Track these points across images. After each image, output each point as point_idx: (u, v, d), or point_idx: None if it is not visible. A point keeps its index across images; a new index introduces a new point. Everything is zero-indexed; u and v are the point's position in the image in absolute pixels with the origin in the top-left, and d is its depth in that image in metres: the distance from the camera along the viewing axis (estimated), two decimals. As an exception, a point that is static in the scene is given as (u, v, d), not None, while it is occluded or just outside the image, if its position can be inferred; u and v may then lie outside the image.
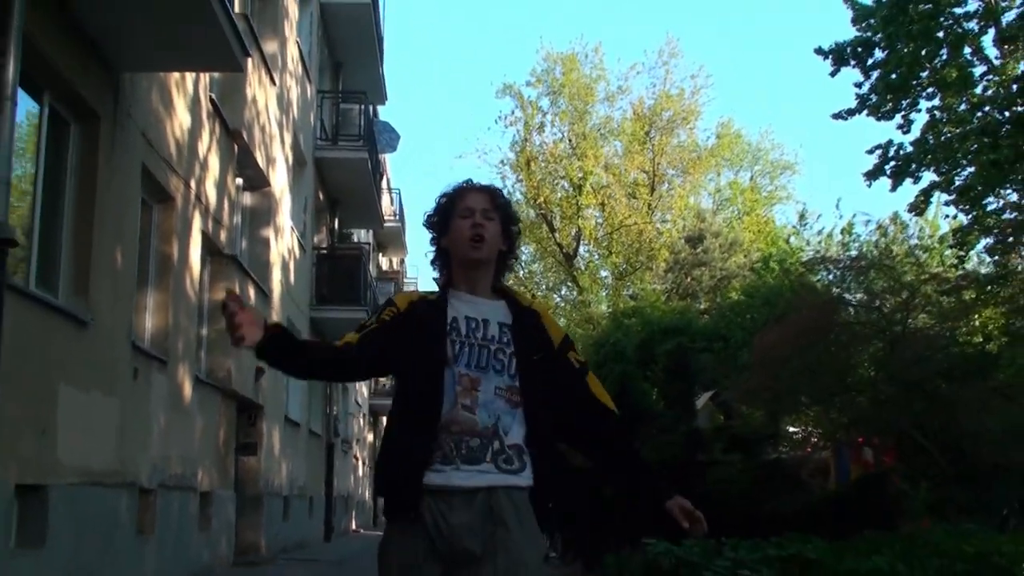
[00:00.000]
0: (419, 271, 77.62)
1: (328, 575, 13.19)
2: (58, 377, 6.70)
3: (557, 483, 2.60)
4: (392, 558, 2.49)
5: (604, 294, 37.22)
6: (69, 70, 6.81)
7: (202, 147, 10.48)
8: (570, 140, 36.04)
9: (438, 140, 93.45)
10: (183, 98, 9.70)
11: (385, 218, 28.54)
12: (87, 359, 7.27)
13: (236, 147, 12.00)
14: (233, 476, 12.51)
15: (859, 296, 27.83)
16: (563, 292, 39.31)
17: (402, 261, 40.41)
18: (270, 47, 13.71)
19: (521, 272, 40.51)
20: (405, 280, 41.34)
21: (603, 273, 38.26)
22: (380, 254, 35.04)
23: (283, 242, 15.01)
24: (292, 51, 15.38)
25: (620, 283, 36.09)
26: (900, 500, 10.05)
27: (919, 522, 10.93)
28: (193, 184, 10.19)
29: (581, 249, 37.62)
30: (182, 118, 9.70)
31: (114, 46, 7.29)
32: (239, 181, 12.71)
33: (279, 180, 14.50)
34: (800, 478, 10.71)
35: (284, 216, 15.07)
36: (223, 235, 11.55)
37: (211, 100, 10.80)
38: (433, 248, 2.76)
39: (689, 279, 33.62)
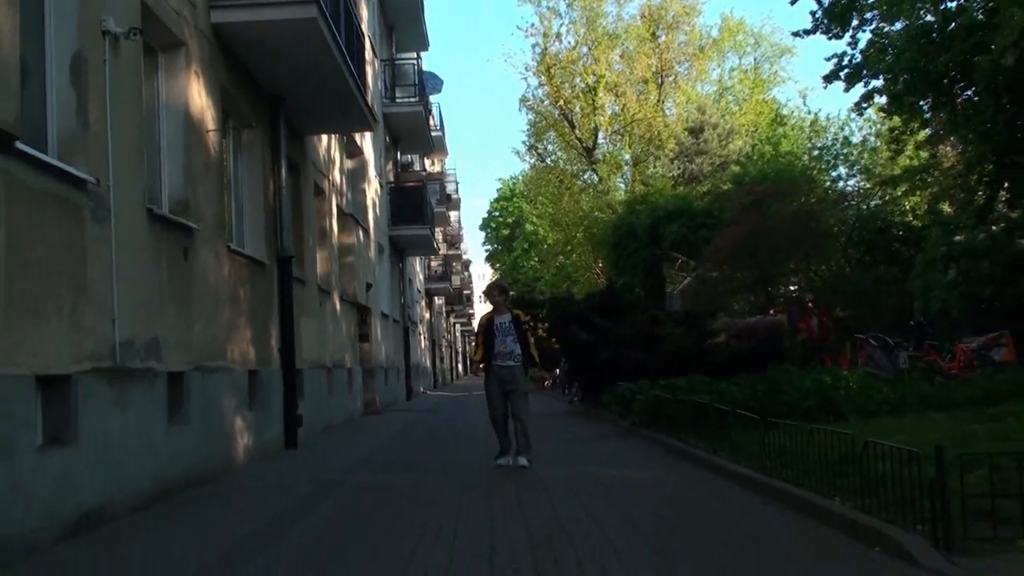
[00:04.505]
0: (457, 163, 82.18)
1: (424, 420, 19.57)
2: (300, 314, 12.81)
3: (525, 364, 9.26)
4: (490, 385, 8.95)
5: (621, 182, 42.47)
6: (291, 149, 12.65)
7: (332, 152, 16.32)
8: (585, 45, 40.76)
9: (468, 46, 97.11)
10: (323, 126, 15.47)
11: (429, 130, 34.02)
12: (305, 300, 13.40)
13: (345, 139, 17.79)
14: (358, 356, 18.83)
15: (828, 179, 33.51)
16: (585, 177, 44.43)
17: (443, 162, 45.86)
18: (355, 53, 19.23)
19: (548, 160, 46.17)
20: (446, 174, 46.98)
21: (625, 157, 43.13)
22: (426, 159, 40.65)
23: (372, 188, 20.90)
24: (367, 46, 20.81)
25: (636, 169, 41.25)
26: (786, 352, 16.02)
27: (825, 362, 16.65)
28: (330, 176, 16.08)
29: (600, 139, 42.76)
30: (324, 140, 15.51)
31: (304, 127, 13.15)
32: (344, 155, 18.53)
33: (367, 146, 20.27)
34: (724, 340, 16.68)
35: (371, 169, 20.91)
36: (344, 201, 17.51)
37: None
38: (485, 301, 9.28)
39: (692, 166, 38.96)
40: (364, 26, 19.73)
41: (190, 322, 8.13)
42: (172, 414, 7.70)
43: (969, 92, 19.39)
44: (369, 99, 13.55)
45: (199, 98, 8.70)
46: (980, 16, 17.81)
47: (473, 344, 10.24)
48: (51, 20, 6.13)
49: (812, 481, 6.17)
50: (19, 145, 5.26)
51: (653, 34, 40.59)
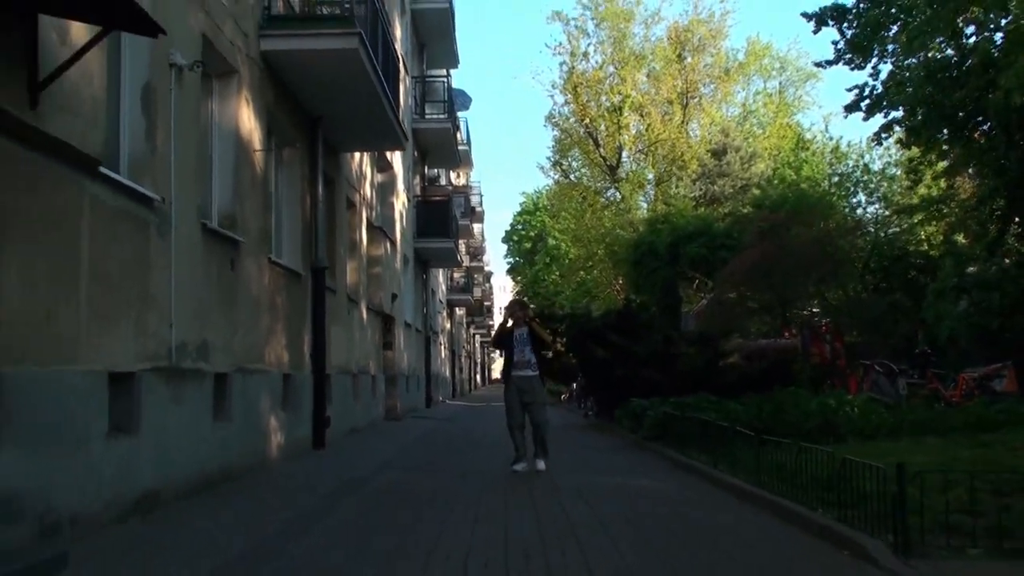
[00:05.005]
0: (481, 177, 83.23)
1: (442, 428, 20.20)
2: (330, 322, 13.49)
3: (541, 374, 10.05)
4: (509, 394, 9.66)
5: (643, 201, 43.01)
6: (327, 165, 13.35)
7: (364, 167, 17.04)
8: (612, 65, 41.44)
9: (494, 59, 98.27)
10: (357, 143, 16.20)
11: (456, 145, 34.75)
12: (335, 309, 14.08)
13: (376, 154, 18.50)
14: (382, 363, 19.51)
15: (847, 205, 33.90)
16: (608, 195, 45.01)
17: (468, 175, 46.62)
18: (388, 71, 19.99)
19: (572, 176, 46.83)
20: (471, 187, 47.79)
21: (648, 176, 43.69)
22: (452, 172, 41.40)
23: (399, 202, 21.61)
24: (400, 65, 21.56)
25: (658, 189, 41.81)
26: (795, 375, 16.51)
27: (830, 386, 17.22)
28: (361, 191, 16.79)
29: (624, 157, 43.35)
30: (356, 155, 16.23)
31: (340, 144, 13.86)
32: (375, 169, 19.24)
33: (397, 161, 20.99)
34: (736, 362, 17.21)
35: (400, 183, 21.63)
36: (373, 214, 18.22)
37: (367, 135, 17.25)
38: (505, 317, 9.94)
39: (714, 187, 39.49)
40: (398, 45, 20.47)
41: (234, 327, 8.82)
42: (217, 411, 8.38)
43: (984, 127, 19.85)
44: (401, 117, 14.25)
45: (248, 120, 9.43)
46: (995, 53, 18.29)
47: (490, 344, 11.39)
48: (126, 56, 6.85)
49: (802, 494, 6.75)
50: (100, 168, 5.96)
51: (679, 56, 41.14)
